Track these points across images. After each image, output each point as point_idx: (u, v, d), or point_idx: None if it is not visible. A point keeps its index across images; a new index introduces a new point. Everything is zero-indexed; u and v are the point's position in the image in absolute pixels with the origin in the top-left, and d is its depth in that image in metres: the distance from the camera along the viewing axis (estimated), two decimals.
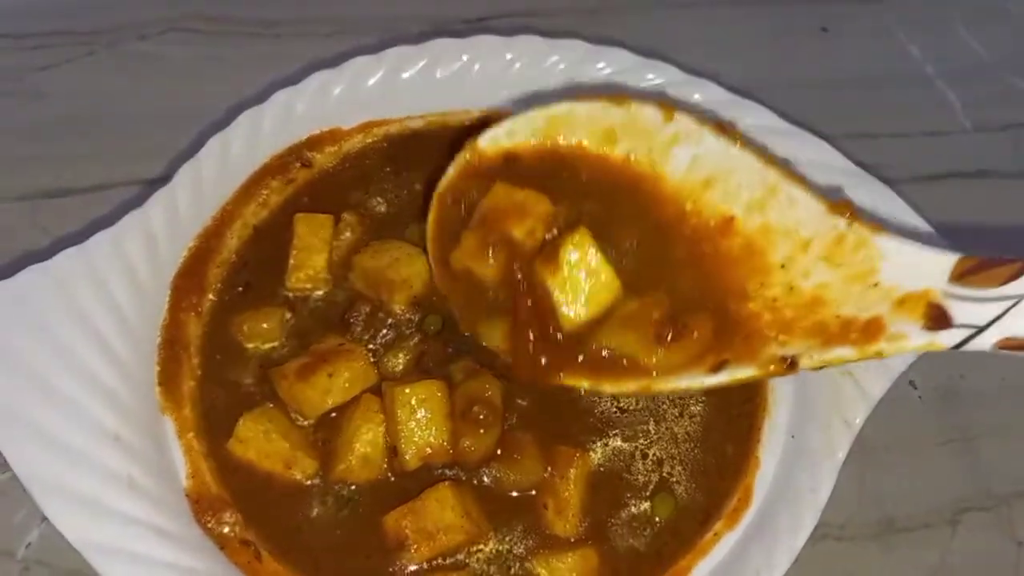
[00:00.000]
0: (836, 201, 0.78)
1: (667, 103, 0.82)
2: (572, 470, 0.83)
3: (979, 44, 1.28)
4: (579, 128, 0.83)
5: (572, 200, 0.82)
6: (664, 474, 0.87)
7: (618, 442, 0.87)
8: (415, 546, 0.79)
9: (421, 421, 0.81)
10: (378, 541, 0.80)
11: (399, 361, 0.87)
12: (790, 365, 0.76)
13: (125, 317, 0.85)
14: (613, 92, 1.00)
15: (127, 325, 0.85)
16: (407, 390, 0.81)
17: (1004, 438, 0.97)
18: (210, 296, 0.91)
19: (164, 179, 0.93)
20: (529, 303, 0.80)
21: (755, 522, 0.84)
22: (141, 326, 0.86)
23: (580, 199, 0.82)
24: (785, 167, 0.81)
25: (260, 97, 0.99)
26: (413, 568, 0.80)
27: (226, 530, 0.81)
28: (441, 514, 0.79)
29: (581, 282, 0.79)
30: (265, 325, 0.89)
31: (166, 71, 1.14)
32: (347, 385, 0.84)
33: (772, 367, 0.77)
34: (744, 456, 0.88)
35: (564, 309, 0.79)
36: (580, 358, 0.80)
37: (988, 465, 0.95)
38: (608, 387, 0.80)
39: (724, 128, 0.81)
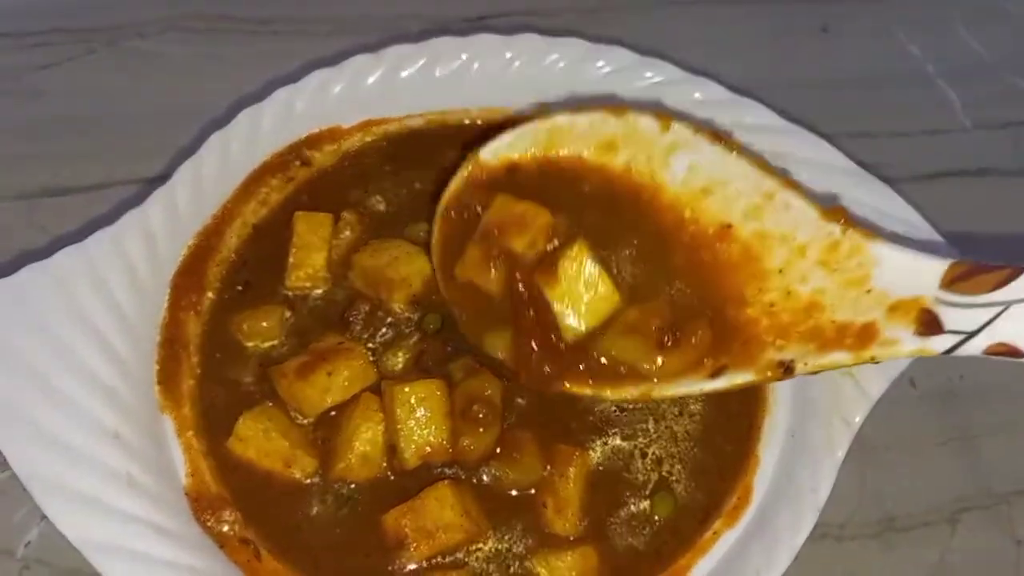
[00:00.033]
0: (830, 207, 0.78)
1: (664, 112, 0.83)
2: (571, 469, 0.83)
3: (979, 44, 1.27)
4: (579, 139, 0.83)
5: (573, 210, 0.82)
6: (663, 473, 0.87)
7: (617, 441, 0.87)
8: (414, 545, 0.79)
9: (420, 420, 0.81)
10: (377, 540, 0.80)
11: (398, 360, 0.87)
12: (787, 370, 0.77)
13: (124, 315, 0.84)
14: (613, 92, 1.02)
15: (126, 323, 0.84)
16: (406, 389, 0.81)
17: (1004, 437, 0.96)
18: (209, 295, 0.91)
19: (163, 178, 0.93)
20: (531, 314, 0.81)
21: (755, 521, 0.84)
22: (140, 324, 0.86)
23: (581, 209, 0.82)
24: (781, 173, 0.82)
25: (260, 95, 0.98)
26: (412, 567, 0.80)
27: (225, 528, 0.81)
28: (440, 513, 0.79)
29: (580, 294, 0.80)
30: (265, 324, 0.89)
31: (165, 69, 1.13)
32: (346, 384, 0.84)
33: (769, 372, 0.78)
34: (744, 455, 0.88)
35: (564, 321, 0.80)
36: (582, 366, 0.81)
37: (988, 464, 0.95)
38: (610, 394, 0.81)
39: (720, 136, 0.82)
